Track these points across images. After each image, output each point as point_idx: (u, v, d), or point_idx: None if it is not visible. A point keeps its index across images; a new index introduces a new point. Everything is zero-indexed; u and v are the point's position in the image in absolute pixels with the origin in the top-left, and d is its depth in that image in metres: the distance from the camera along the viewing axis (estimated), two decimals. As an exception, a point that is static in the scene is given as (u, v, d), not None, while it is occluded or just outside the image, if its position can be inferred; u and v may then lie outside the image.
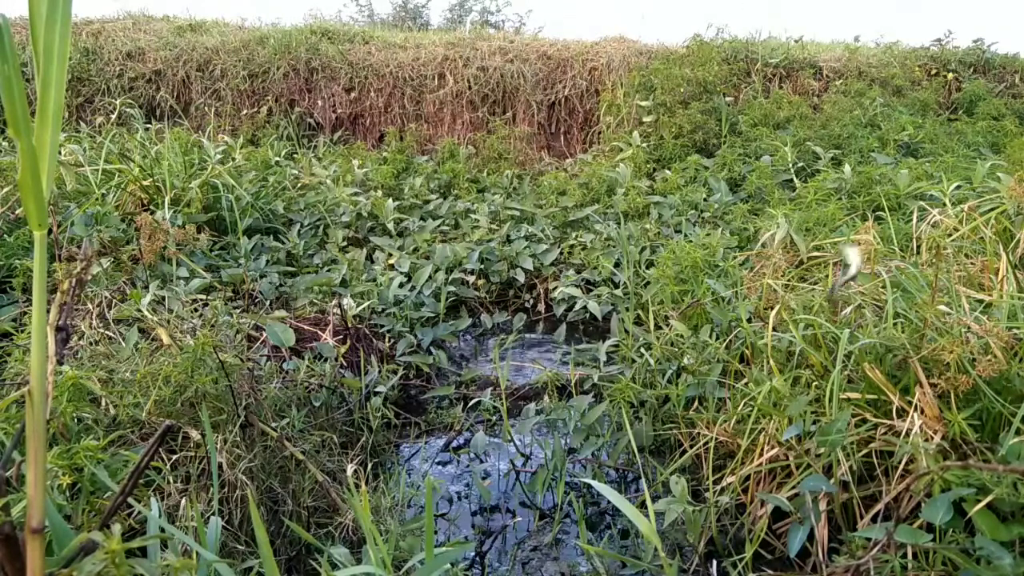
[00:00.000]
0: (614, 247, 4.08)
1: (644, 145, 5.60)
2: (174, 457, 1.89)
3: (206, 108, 6.62)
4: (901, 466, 1.90)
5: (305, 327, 3.00)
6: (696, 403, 2.54)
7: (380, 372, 2.85)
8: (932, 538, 1.56)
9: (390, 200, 4.64)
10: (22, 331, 2.28)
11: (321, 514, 2.11)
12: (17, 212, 3.46)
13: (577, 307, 3.72)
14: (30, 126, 0.89)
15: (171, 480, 1.82)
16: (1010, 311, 2.23)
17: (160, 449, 1.84)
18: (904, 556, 1.68)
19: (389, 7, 12.86)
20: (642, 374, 2.74)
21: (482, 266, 4.03)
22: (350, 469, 1.96)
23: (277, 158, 5.35)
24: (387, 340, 3.25)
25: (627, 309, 3.40)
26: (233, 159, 4.80)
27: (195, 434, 1.90)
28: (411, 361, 3.18)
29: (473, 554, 2.18)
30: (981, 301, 2.38)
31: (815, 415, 2.08)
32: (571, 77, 6.82)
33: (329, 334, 2.94)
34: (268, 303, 3.40)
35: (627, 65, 6.67)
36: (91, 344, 2.26)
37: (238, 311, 2.84)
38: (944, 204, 3.36)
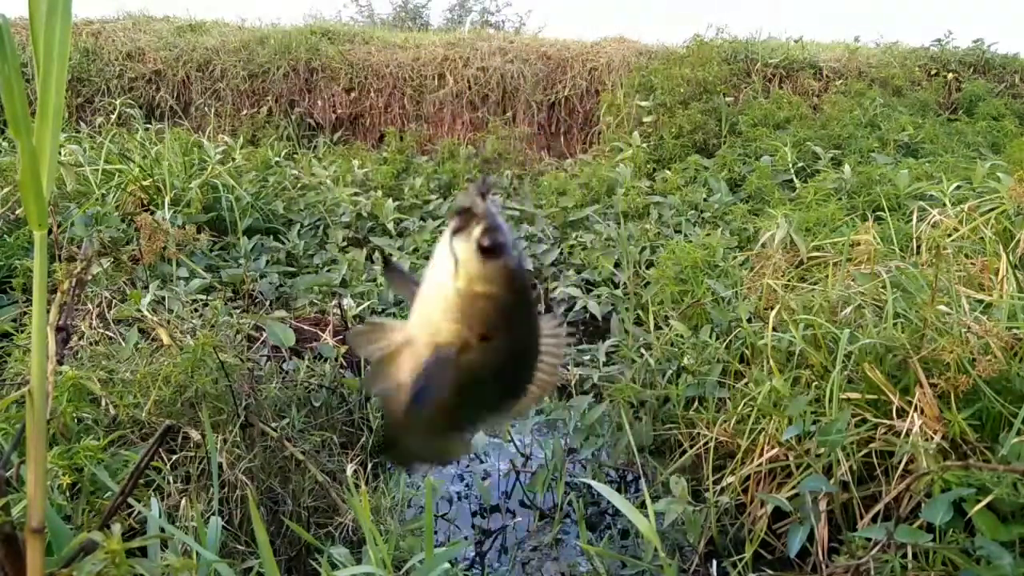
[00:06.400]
0: (614, 247, 4.08)
1: (644, 145, 5.59)
2: (174, 457, 1.89)
3: (206, 108, 6.62)
4: (901, 466, 1.90)
5: (305, 327, 2.99)
6: (696, 403, 2.54)
7: (380, 372, 2.84)
8: (932, 538, 1.56)
9: (390, 200, 4.64)
10: (22, 331, 2.28)
11: (321, 514, 2.11)
12: (17, 212, 3.46)
13: (577, 307, 3.72)
14: (30, 126, 0.89)
15: (171, 480, 1.82)
16: (1010, 311, 2.23)
17: (160, 449, 1.84)
18: (904, 556, 1.68)
19: (389, 7, 12.86)
20: (642, 374, 2.74)
21: (482, 266, 4.02)
22: (350, 469, 1.96)
23: (277, 158, 5.35)
24: (387, 340, 3.25)
25: (627, 309, 3.40)
26: (233, 159, 4.80)
27: (195, 434, 1.90)
28: (411, 361, 3.17)
29: (473, 554, 2.18)
30: (981, 301, 2.38)
31: (815, 415, 2.07)
32: (571, 77, 6.82)
33: (329, 334, 2.94)
34: (268, 303, 3.40)
35: (627, 65, 6.67)
36: (91, 344, 2.25)
37: (238, 311, 2.84)
38: (944, 204, 3.36)
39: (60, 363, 1.89)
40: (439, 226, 4.55)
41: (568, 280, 3.89)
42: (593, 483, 1.58)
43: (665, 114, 5.90)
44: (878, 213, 3.65)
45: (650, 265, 3.81)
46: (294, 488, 2.07)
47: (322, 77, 6.71)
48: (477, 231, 0.55)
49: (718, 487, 2.20)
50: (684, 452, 2.41)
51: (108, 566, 0.99)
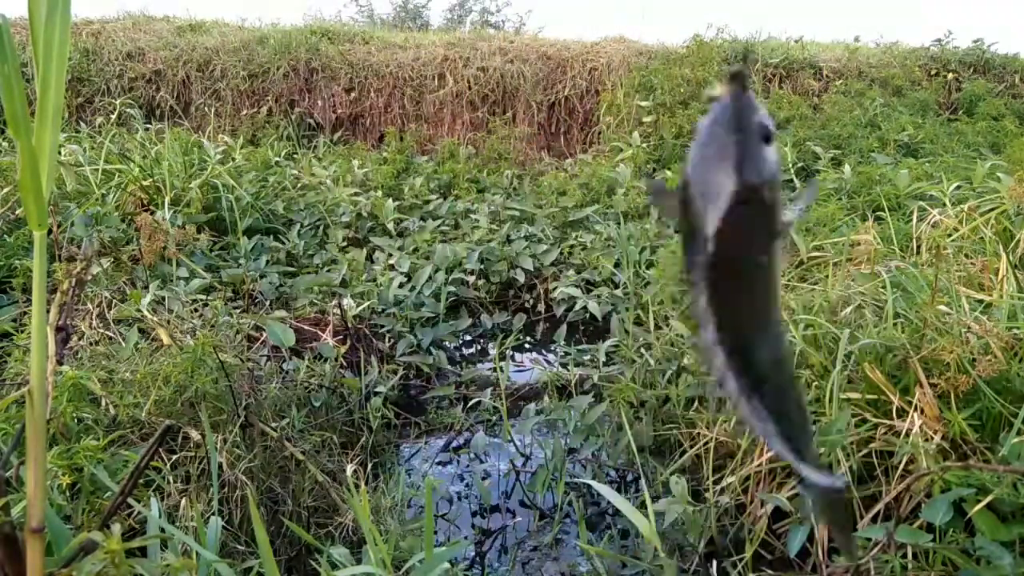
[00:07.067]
0: (614, 247, 4.08)
1: (644, 145, 5.59)
2: (174, 457, 1.89)
3: (206, 108, 6.61)
4: (901, 466, 1.90)
5: (305, 327, 3.00)
6: (696, 403, 2.54)
7: (380, 372, 2.85)
8: (932, 538, 1.56)
9: (390, 200, 4.64)
10: (22, 331, 2.28)
11: (321, 514, 2.11)
12: (17, 212, 3.46)
13: (577, 307, 3.72)
14: (30, 126, 0.89)
15: (171, 480, 1.82)
16: (1010, 311, 2.23)
17: (160, 449, 1.84)
18: (904, 556, 1.68)
19: (389, 7, 12.87)
20: (642, 374, 2.74)
21: (482, 266, 4.03)
22: (350, 469, 1.96)
23: (277, 158, 5.35)
24: (387, 340, 3.25)
25: (627, 309, 3.40)
26: (233, 159, 4.80)
27: (195, 434, 1.90)
28: (411, 361, 3.17)
29: (473, 554, 2.18)
30: (981, 301, 2.38)
31: (815, 415, 2.07)
32: (571, 77, 6.82)
33: (329, 334, 2.94)
34: (268, 303, 3.40)
35: (627, 65, 6.67)
36: (91, 344, 2.26)
37: (238, 311, 2.84)
38: (944, 204, 3.36)
39: (60, 363, 1.89)
40: (439, 226, 4.55)
41: (568, 280, 3.89)
42: (593, 483, 1.58)
43: (665, 114, 5.90)
44: (878, 213, 3.65)
45: (650, 265, 3.81)
46: (294, 488, 2.07)
47: (322, 77, 6.71)
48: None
49: (718, 487, 2.20)
50: (684, 452, 2.41)
51: (108, 566, 0.99)
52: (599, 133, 6.62)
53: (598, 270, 3.93)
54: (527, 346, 3.71)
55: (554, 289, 3.91)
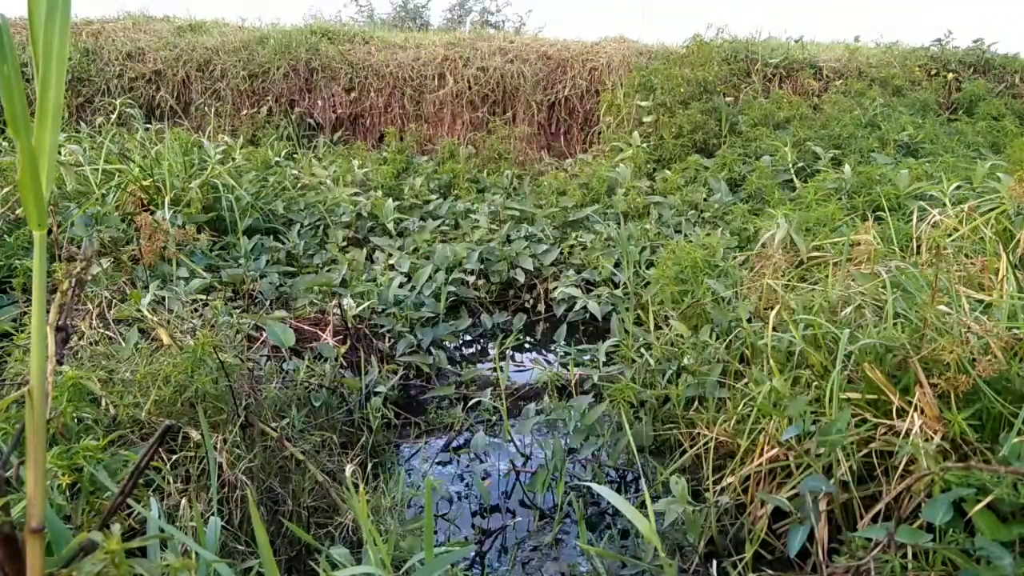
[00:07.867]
0: (614, 247, 4.08)
1: (644, 145, 5.59)
2: (174, 457, 1.89)
3: (206, 108, 6.61)
4: (901, 466, 1.90)
5: (305, 327, 3.00)
6: (696, 403, 2.54)
7: (380, 372, 2.85)
8: (932, 538, 1.56)
9: (390, 200, 4.64)
10: (22, 331, 2.28)
11: (321, 514, 2.11)
12: (17, 212, 3.46)
13: (577, 307, 3.72)
14: (30, 126, 0.89)
15: (171, 480, 1.82)
16: (1010, 311, 2.23)
17: (160, 449, 1.84)
18: (904, 556, 1.68)
19: (389, 7, 12.87)
20: (642, 374, 2.74)
21: (482, 266, 4.03)
22: (350, 469, 1.96)
23: (277, 158, 5.35)
24: (387, 340, 3.25)
25: (627, 309, 3.40)
26: (233, 159, 4.80)
27: (195, 434, 1.90)
28: (411, 361, 3.17)
29: (473, 554, 2.18)
30: (981, 301, 2.38)
31: (815, 415, 2.08)
32: (571, 77, 6.82)
33: (329, 334, 2.94)
34: (268, 303, 3.40)
35: (627, 65, 6.67)
36: (91, 344, 2.26)
37: (238, 311, 2.84)
38: (944, 204, 3.36)
39: (60, 363, 1.89)
40: (439, 226, 4.55)
41: (568, 280, 3.89)
42: (593, 484, 1.58)
43: (665, 114, 5.90)
44: (878, 213, 3.65)
45: (650, 265, 3.81)
46: (294, 488, 2.07)
47: (322, 77, 6.71)
48: None
49: (718, 487, 2.20)
50: (684, 452, 2.41)
51: (108, 566, 0.99)
52: (599, 133, 6.62)
53: (598, 270, 3.93)
54: (527, 346, 3.71)
55: (554, 289, 3.91)
